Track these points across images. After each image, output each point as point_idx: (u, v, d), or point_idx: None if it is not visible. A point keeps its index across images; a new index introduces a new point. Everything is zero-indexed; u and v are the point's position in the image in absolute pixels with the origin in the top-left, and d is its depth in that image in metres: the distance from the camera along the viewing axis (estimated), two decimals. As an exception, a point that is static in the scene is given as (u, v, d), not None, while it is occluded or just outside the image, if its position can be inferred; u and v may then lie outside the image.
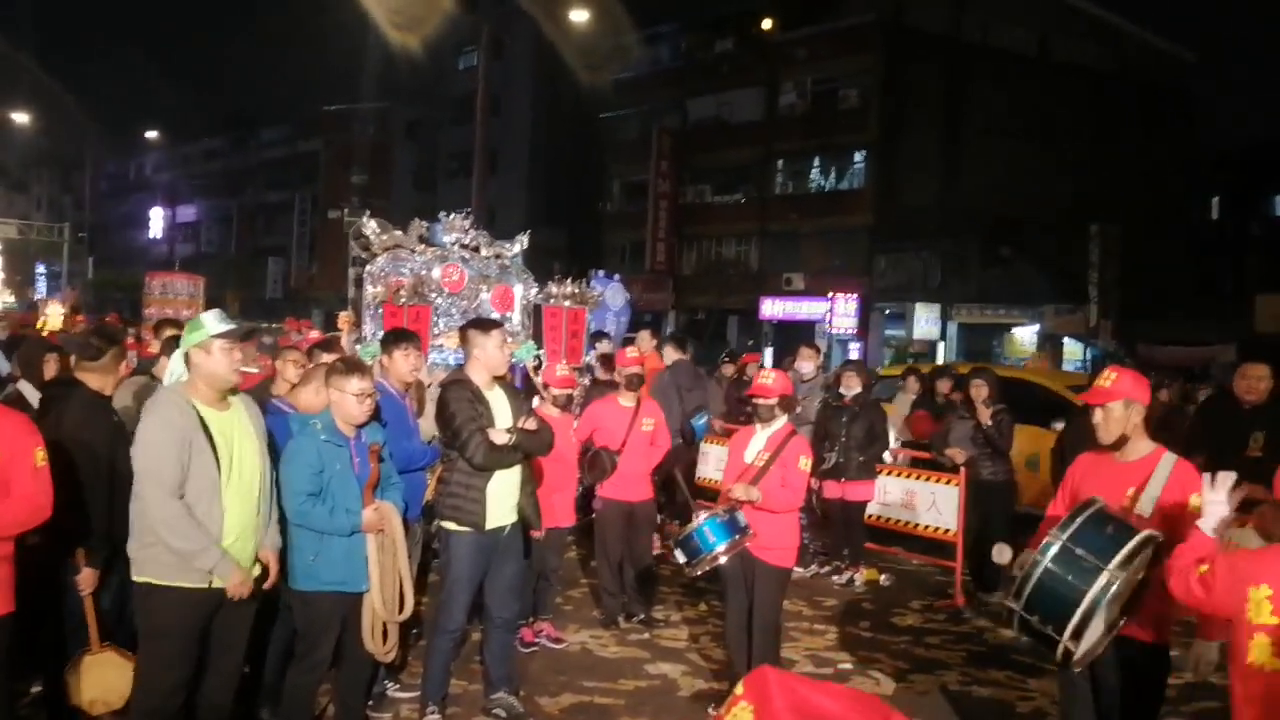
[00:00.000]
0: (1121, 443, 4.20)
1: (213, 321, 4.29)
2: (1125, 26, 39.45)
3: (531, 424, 5.37)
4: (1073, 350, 30.83)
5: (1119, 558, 3.68)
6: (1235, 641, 3.28)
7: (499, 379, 5.51)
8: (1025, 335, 31.99)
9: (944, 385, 10.98)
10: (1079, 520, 3.82)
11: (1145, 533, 3.78)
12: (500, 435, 5.21)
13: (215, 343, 4.22)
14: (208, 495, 4.15)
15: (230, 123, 69.69)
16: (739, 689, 1.17)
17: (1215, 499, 3.54)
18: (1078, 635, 3.71)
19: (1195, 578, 3.37)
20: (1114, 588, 3.68)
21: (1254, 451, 7.23)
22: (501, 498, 5.33)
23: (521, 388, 8.92)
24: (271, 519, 4.50)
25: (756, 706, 1.15)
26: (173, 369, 4.47)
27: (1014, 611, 3.88)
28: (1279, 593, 3.16)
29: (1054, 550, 3.79)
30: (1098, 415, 4.21)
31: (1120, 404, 4.16)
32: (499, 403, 5.38)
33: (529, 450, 5.38)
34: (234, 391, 4.41)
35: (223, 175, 68.73)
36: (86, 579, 4.65)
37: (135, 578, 4.23)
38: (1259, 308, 26.67)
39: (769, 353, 34.43)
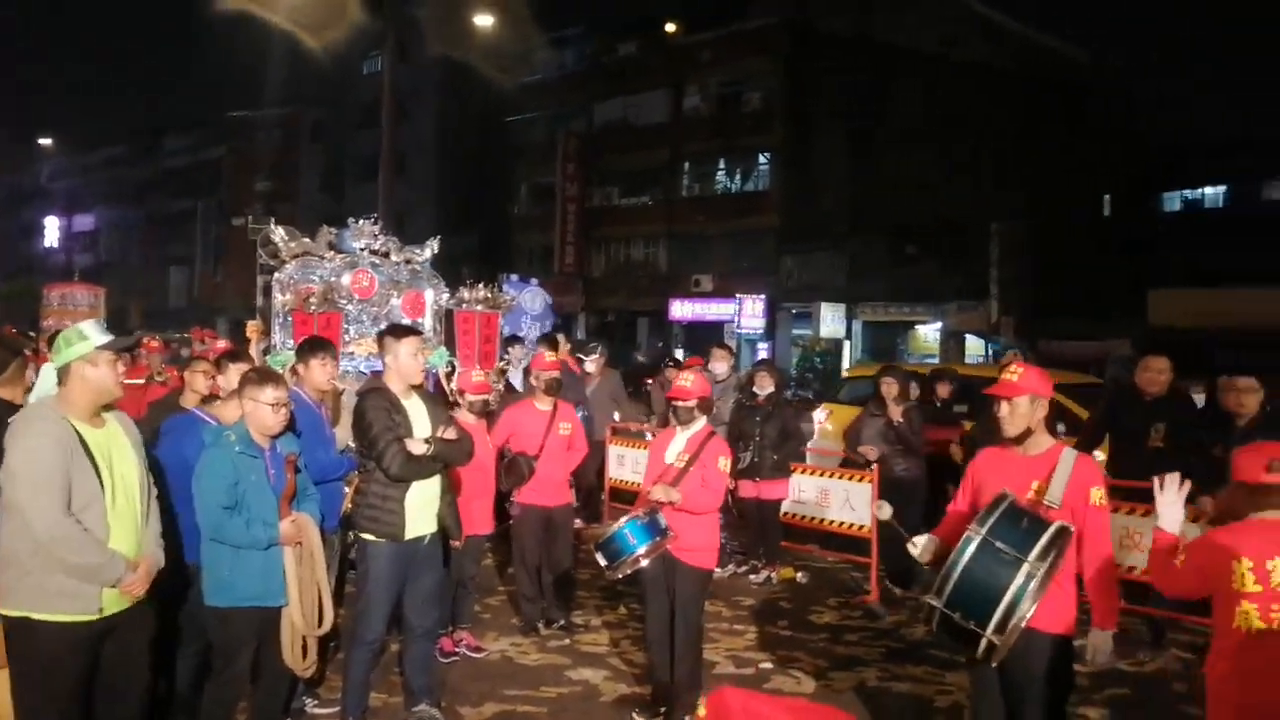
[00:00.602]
0: (1025, 437, 4.27)
1: (95, 332, 4.03)
2: (1024, 30, 40.47)
3: (451, 433, 5.31)
4: (975, 346, 31.51)
5: (1037, 549, 3.74)
6: (1220, 612, 3.66)
7: (417, 387, 5.45)
8: (928, 332, 32.62)
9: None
10: (995, 514, 3.86)
11: (1058, 524, 3.87)
12: (418, 445, 5.15)
13: (101, 355, 3.99)
14: (92, 513, 3.90)
15: (133, 130, 68.01)
16: (700, 710, 1.19)
17: (1169, 500, 3.86)
18: (1001, 629, 3.74)
19: (1176, 569, 3.72)
20: (1035, 580, 3.74)
21: (1155, 442, 7.45)
22: (420, 507, 5.26)
23: (435, 394, 8.88)
24: (154, 535, 4.23)
25: None
26: (43, 383, 4.17)
27: (934, 609, 3.88)
28: (1259, 564, 3.53)
29: (974, 545, 3.82)
30: (1004, 409, 4.27)
31: (1026, 399, 4.23)
32: (417, 411, 5.32)
33: (448, 460, 5.33)
34: (109, 407, 4.15)
35: (125, 183, 67.02)
36: None
37: (8, 611, 3.87)
38: (1153, 303, 27.50)
39: (679, 354, 34.64)
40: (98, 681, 4.07)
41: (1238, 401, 6.79)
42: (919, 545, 4.45)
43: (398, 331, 5.51)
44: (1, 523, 3.90)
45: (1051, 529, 3.81)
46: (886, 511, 4.66)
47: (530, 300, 13.89)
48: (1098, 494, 4.15)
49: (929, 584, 4.00)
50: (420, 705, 5.47)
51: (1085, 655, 4.22)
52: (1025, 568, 3.73)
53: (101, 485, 3.94)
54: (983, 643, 3.78)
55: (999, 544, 3.78)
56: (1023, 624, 3.83)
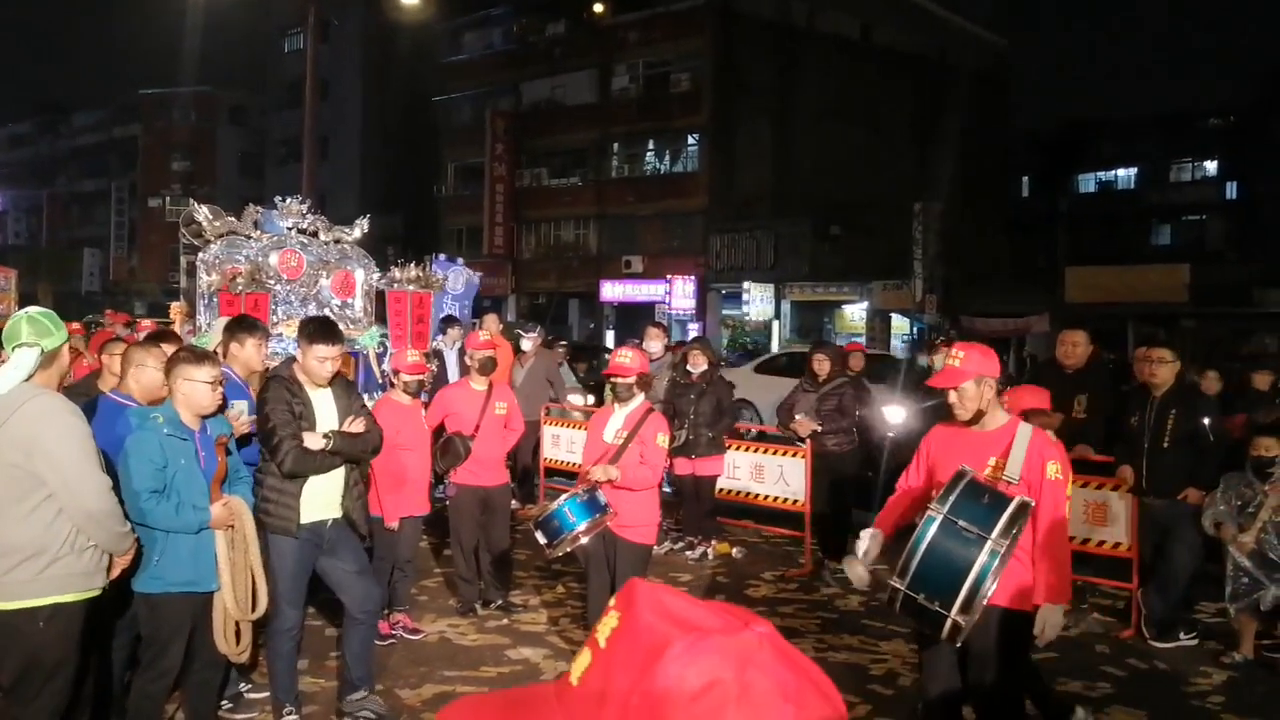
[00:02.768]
0: (978, 416, 4.26)
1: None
2: (943, 14, 40.99)
3: (358, 425, 5.14)
4: (900, 324, 31.96)
5: (999, 526, 3.69)
6: None
7: (337, 374, 5.29)
8: (855, 311, 33.00)
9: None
10: (956, 492, 3.79)
11: (1019, 499, 3.82)
12: (315, 440, 4.98)
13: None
14: None
15: (37, 107, 65.94)
16: (611, 601, 1.19)
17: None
18: (966, 609, 3.67)
19: None
20: (999, 557, 3.68)
21: (1078, 414, 7.67)
22: (320, 495, 5.12)
23: (365, 374, 8.77)
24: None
25: (622, 613, 1.15)
26: (21, 364, 4.02)
27: (898, 590, 3.79)
28: None
29: (936, 524, 3.74)
30: (953, 397, 4.24)
31: (972, 383, 4.20)
32: (324, 401, 5.16)
33: (349, 455, 5.13)
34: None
35: (30, 163, 65.03)
36: None
37: (32, 603, 3.82)
38: (1069, 280, 28.14)
39: (610, 335, 34.65)
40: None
41: (1151, 372, 6.92)
42: (862, 544, 4.44)
43: (326, 337, 5.22)
44: (21, 513, 3.83)
45: (1013, 505, 3.76)
46: (863, 548, 4.48)
47: (454, 280, 13.75)
48: (1054, 468, 4.14)
49: (894, 565, 3.89)
50: (359, 694, 5.35)
51: (1035, 628, 4.19)
52: (989, 545, 3.67)
53: None
54: (948, 624, 3.70)
55: (961, 522, 3.71)
56: (985, 602, 3.76)
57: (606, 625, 1.18)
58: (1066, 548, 4.25)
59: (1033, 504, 3.91)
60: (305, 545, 5.10)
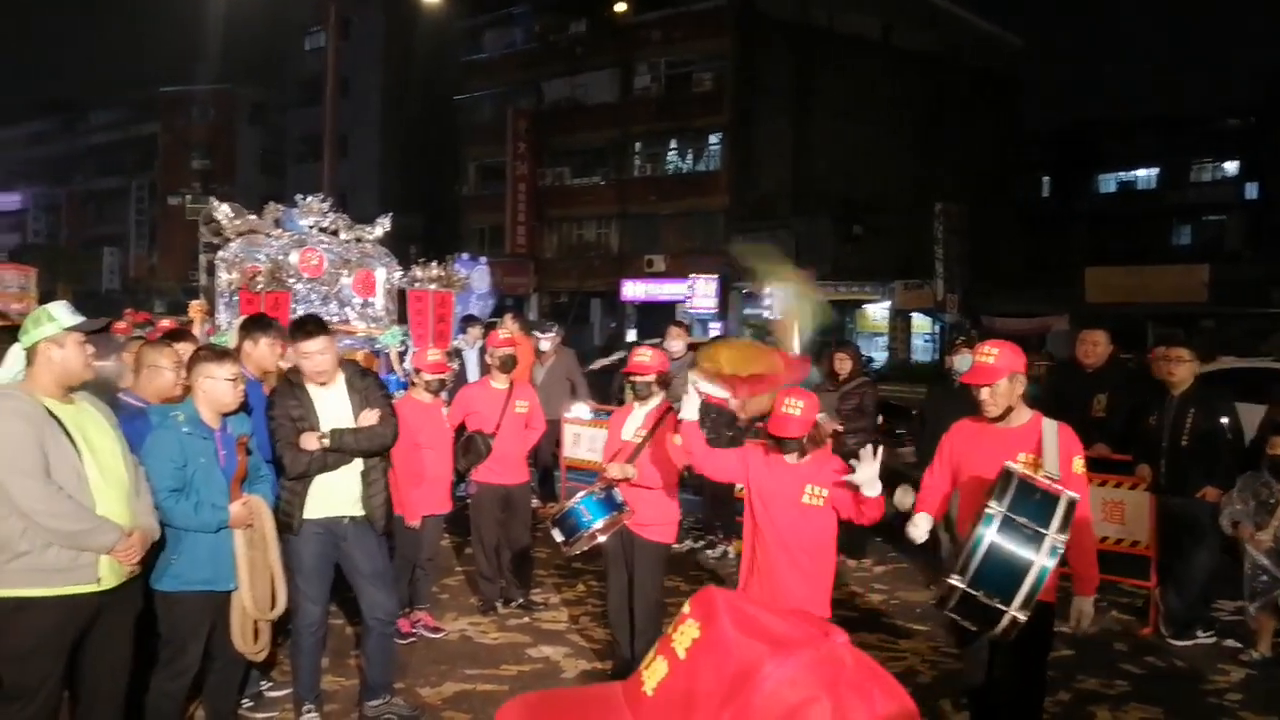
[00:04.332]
0: (1006, 413, 4.31)
1: (64, 314, 4.01)
2: (962, 14, 40.85)
3: (370, 418, 5.09)
4: (921, 324, 31.88)
5: (1057, 522, 3.70)
6: None
7: (348, 367, 5.27)
8: (876, 311, 32.93)
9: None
10: (1011, 490, 3.78)
11: (1069, 495, 3.81)
12: (311, 440, 4.97)
13: (69, 336, 3.95)
14: (74, 485, 3.86)
15: (56, 105, 66.29)
16: (686, 608, 1.17)
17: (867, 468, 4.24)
18: (1026, 604, 3.68)
19: None
20: (1058, 554, 3.70)
21: (1097, 412, 7.67)
22: (335, 491, 5.10)
23: (387, 374, 8.78)
24: (146, 507, 4.20)
25: (703, 624, 1.13)
26: (10, 366, 4.10)
27: (956, 588, 3.76)
28: None
29: (996, 522, 3.73)
30: (984, 393, 4.28)
31: (1005, 380, 4.25)
32: (331, 400, 5.11)
33: (354, 451, 5.08)
34: (74, 389, 4.09)
35: (49, 161, 65.33)
36: None
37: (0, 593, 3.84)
38: (1088, 279, 28.02)
39: (632, 334, 34.63)
40: (82, 661, 4.05)
41: (1170, 371, 6.90)
42: (919, 527, 4.48)
43: (304, 332, 5.17)
44: None
45: (1064, 501, 3.77)
46: (909, 501, 4.59)
47: (477, 279, 13.78)
48: (1079, 463, 4.22)
49: (952, 564, 3.88)
50: (381, 699, 5.33)
51: (1070, 621, 4.30)
52: (1048, 542, 3.68)
53: (80, 457, 3.91)
54: (1005, 619, 3.72)
55: (1021, 520, 3.72)
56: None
57: (685, 635, 1.16)
58: (1093, 539, 4.33)
59: (1078, 499, 3.88)
60: (322, 541, 5.08)
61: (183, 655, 4.55)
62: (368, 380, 5.31)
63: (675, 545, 7.29)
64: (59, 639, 3.90)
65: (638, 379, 5.81)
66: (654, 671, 1.16)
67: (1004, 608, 3.70)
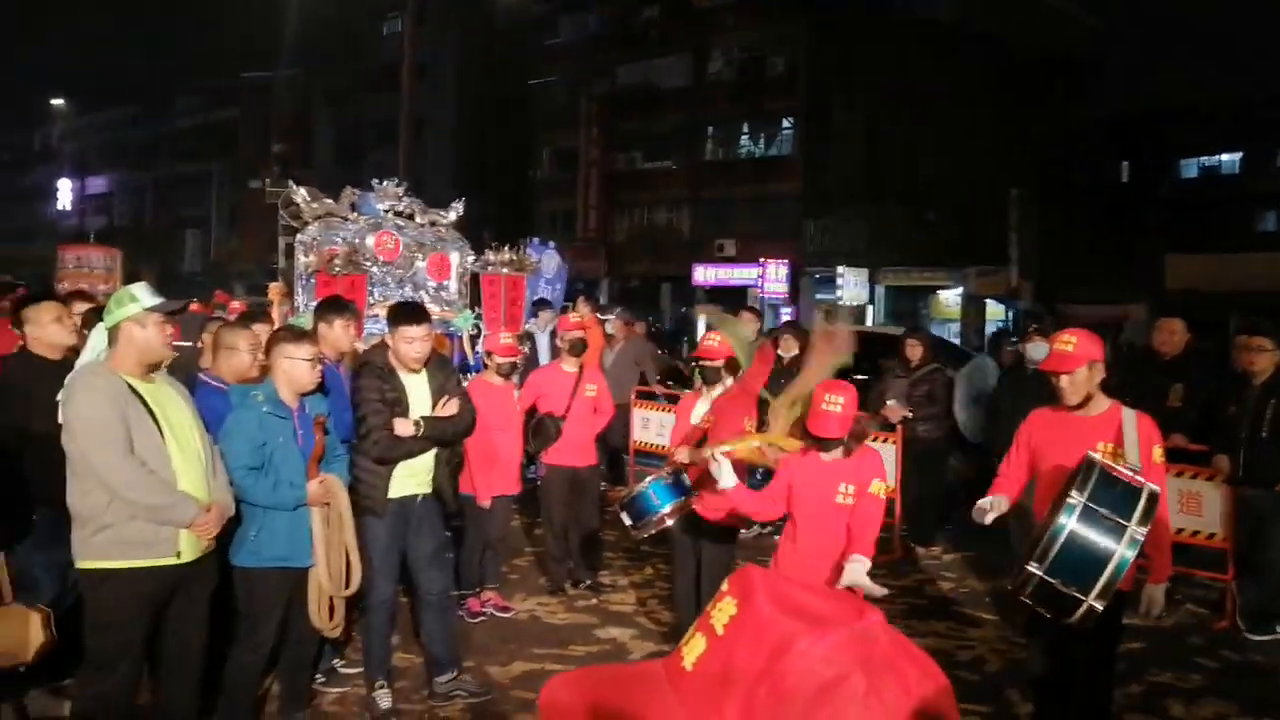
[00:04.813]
0: (1085, 401, 4.28)
1: (145, 294, 4.13)
2: (1040, -3, 40.03)
3: (451, 407, 5.21)
4: (995, 310, 31.43)
5: (1138, 514, 3.68)
6: None
7: (437, 358, 5.36)
8: (950, 297, 32.53)
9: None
10: (1092, 480, 3.76)
11: (1151, 487, 3.79)
12: (405, 426, 5.07)
13: (150, 316, 4.06)
14: (155, 460, 3.97)
15: (142, 91, 67.80)
16: (724, 586, 1.20)
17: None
18: (1105, 594, 3.68)
19: None
20: (1139, 545, 3.68)
21: (1173, 402, 7.55)
22: (411, 472, 5.21)
23: (460, 357, 8.90)
24: (222, 483, 4.33)
25: (740, 602, 1.16)
26: (94, 344, 4.28)
27: (1033, 575, 3.76)
28: None
29: (1076, 512, 3.71)
30: (1064, 381, 4.26)
31: (1085, 368, 4.23)
32: (417, 386, 5.22)
33: (439, 440, 5.22)
34: (155, 368, 4.23)
35: (135, 145, 66.83)
36: None
37: (85, 565, 3.99)
38: (1169, 267, 27.38)
39: (702, 320, 34.58)
40: (162, 633, 4.19)
41: (1250, 360, 6.78)
42: (988, 510, 4.43)
43: (409, 317, 5.27)
44: (72, 484, 3.98)
45: (1146, 493, 3.75)
46: (990, 517, 4.47)
47: (546, 263, 13.85)
48: (1158, 452, 4.21)
49: (1029, 551, 3.84)
50: (449, 675, 5.43)
51: (1141, 608, 4.30)
52: (1129, 533, 3.67)
53: (161, 434, 4.02)
54: (1083, 608, 3.71)
55: (1102, 510, 3.70)
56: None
57: (723, 612, 1.19)
58: (1169, 528, 4.29)
59: (1159, 492, 3.85)
60: (395, 520, 5.19)
61: (259, 630, 4.67)
62: (446, 368, 5.42)
63: (744, 531, 7.31)
64: (140, 610, 4.03)
65: (706, 364, 5.83)
66: (693, 647, 1.20)
67: (1082, 596, 3.69)
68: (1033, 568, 3.76)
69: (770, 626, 1.14)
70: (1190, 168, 48.48)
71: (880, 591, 4.22)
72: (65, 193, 69.72)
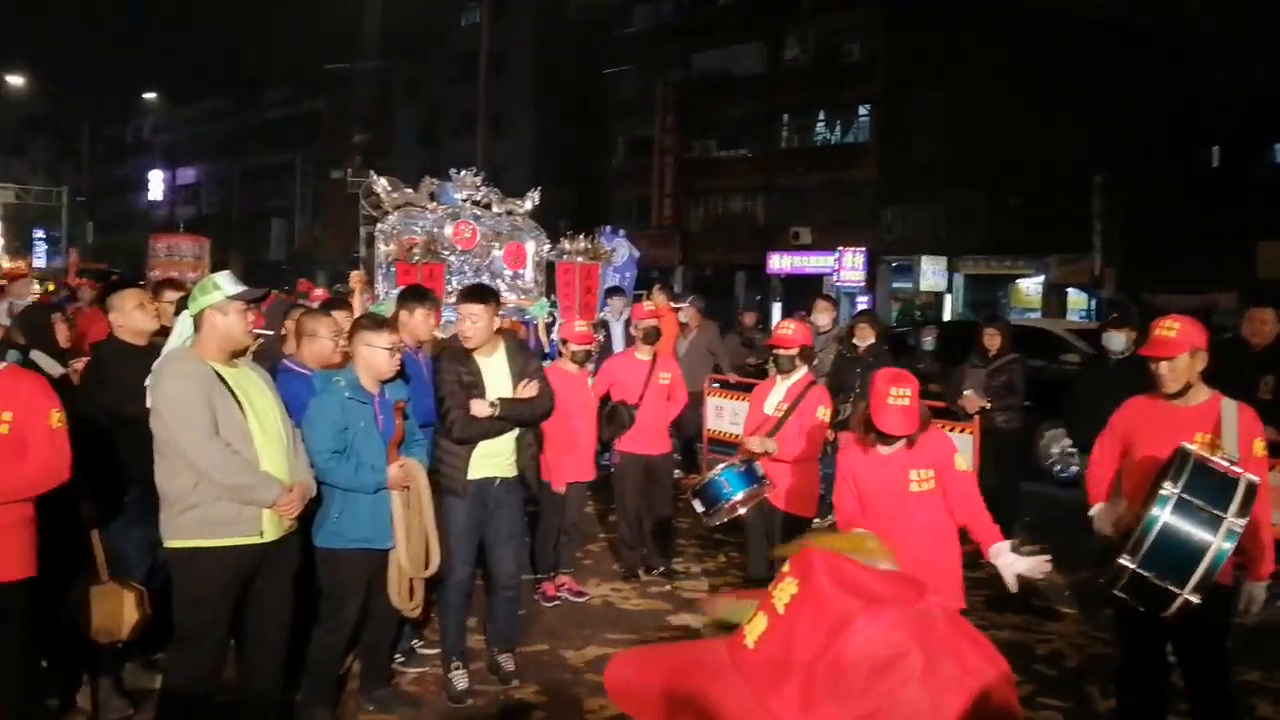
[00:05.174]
0: (1184, 390, 4.16)
1: (228, 282, 4.24)
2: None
3: (530, 389, 5.27)
4: (1077, 300, 30.80)
5: (1235, 506, 3.58)
6: None
7: (509, 338, 5.43)
8: (1030, 286, 31.96)
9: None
10: (1187, 471, 3.66)
11: (1249, 479, 3.68)
12: (482, 407, 5.14)
13: (232, 305, 4.17)
14: (239, 442, 4.09)
15: (230, 83, 69.20)
16: (785, 566, 1.23)
17: None
18: (1200, 588, 3.58)
19: None
20: (1236, 538, 3.58)
21: (1264, 394, 7.32)
22: (491, 454, 5.28)
23: (535, 344, 9.00)
24: (304, 464, 4.45)
25: (801, 581, 1.19)
26: (180, 331, 4.41)
27: (1126, 568, 3.68)
28: None
29: (1170, 504, 3.62)
30: (1164, 367, 4.14)
31: (1186, 355, 4.11)
32: (494, 369, 5.30)
33: (517, 420, 5.27)
34: (239, 354, 4.35)
35: (223, 136, 68.28)
36: (88, 512, 4.63)
37: (173, 544, 4.12)
38: (1262, 254, 26.60)
39: (777, 307, 34.44)
40: (246, 611, 4.32)
41: (1254, 332, 6.75)
42: (1098, 517, 4.40)
43: (467, 295, 5.41)
44: (160, 465, 4.12)
45: (1244, 484, 3.63)
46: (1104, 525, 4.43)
47: (617, 251, 13.90)
48: (1259, 446, 4.07)
49: (1120, 545, 3.79)
50: (493, 652, 5.53)
51: (1240, 605, 4.18)
52: (1225, 525, 3.56)
53: (245, 417, 4.14)
54: (1178, 602, 3.62)
55: (1197, 502, 3.60)
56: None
57: (784, 591, 1.22)
58: (1269, 524, 4.15)
59: (1258, 483, 3.73)
60: (474, 503, 5.27)
61: (342, 610, 4.81)
62: (525, 352, 5.50)
63: (817, 520, 7.31)
64: (225, 587, 4.16)
65: (780, 352, 5.84)
66: (755, 626, 1.23)
67: (1177, 590, 3.61)
68: (1125, 560, 3.68)
69: (830, 605, 1.17)
70: (1286, 151, 46.87)
71: (1043, 567, 4.16)
72: (157, 184, 71.59)
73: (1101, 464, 4.51)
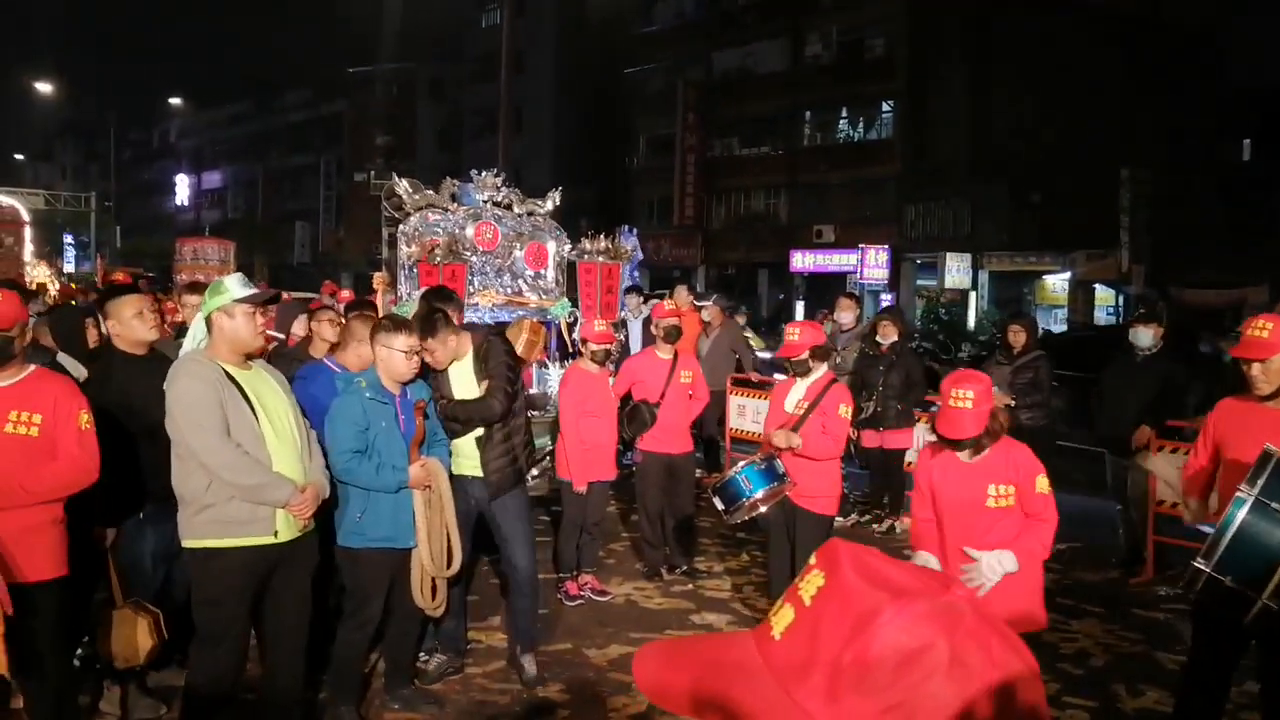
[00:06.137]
0: (1278, 391, 4.10)
1: (235, 285, 4.26)
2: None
3: (480, 390, 5.24)
4: (1104, 296, 30.57)
5: None
6: None
7: (490, 343, 5.39)
8: (1056, 282, 31.74)
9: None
10: (1266, 473, 3.59)
11: None
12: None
13: (239, 307, 4.19)
14: (251, 444, 4.11)
15: (253, 87, 69.72)
16: (812, 559, 1.23)
17: None
18: (1279, 593, 3.49)
19: None
20: None
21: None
22: (460, 453, 5.30)
23: (556, 344, 9.01)
24: (318, 466, 4.46)
25: (827, 574, 1.19)
26: (194, 333, 4.41)
27: (1201, 572, 3.61)
28: None
29: (1246, 507, 3.55)
30: (1255, 369, 4.09)
31: (1279, 356, 4.05)
32: (460, 373, 5.32)
33: (464, 420, 5.24)
34: (253, 356, 4.39)
35: (247, 140, 68.83)
36: (100, 535, 4.65)
37: (190, 544, 4.16)
38: (1293, 249, 26.29)
39: (800, 306, 34.36)
40: (265, 609, 4.37)
41: None
42: (1192, 511, 4.36)
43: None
44: (176, 467, 4.16)
45: None
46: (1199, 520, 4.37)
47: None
48: None
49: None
50: (524, 655, 5.51)
51: None
52: None
53: (257, 419, 4.16)
54: (1256, 607, 3.54)
55: (1274, 505, 3.53)
56: None
57: (811, 584, 1.22)
58: None
59: None
60: (461, 499, 5.18)
61: (365, 608, 4.85)
62: (495, 351, 5.36)
63: (840, 519, 7.29)
64: (242, 587, 4.19)
65: (790, 361, 5.81)
66: (781, 618, 1.23)
67: (1255, 595, 3.53)
68: (1199, 563, 3.62)
69: (856, 597, 1.17)
70: (1320, 142, 46.29)
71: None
72: (183, 188, 72.19)
73: (1195, 463, 4.47)
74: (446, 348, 5.21)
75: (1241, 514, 3.55)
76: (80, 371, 5.27)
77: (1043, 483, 4.12)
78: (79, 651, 4.86)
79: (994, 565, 4.01)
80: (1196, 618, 4.32)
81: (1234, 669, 4.23)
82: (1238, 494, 3.58)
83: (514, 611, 5.59)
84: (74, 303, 14.94)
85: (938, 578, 1.22)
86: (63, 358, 5.48)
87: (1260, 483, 3.56)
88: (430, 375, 5.22)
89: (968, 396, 4.00)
